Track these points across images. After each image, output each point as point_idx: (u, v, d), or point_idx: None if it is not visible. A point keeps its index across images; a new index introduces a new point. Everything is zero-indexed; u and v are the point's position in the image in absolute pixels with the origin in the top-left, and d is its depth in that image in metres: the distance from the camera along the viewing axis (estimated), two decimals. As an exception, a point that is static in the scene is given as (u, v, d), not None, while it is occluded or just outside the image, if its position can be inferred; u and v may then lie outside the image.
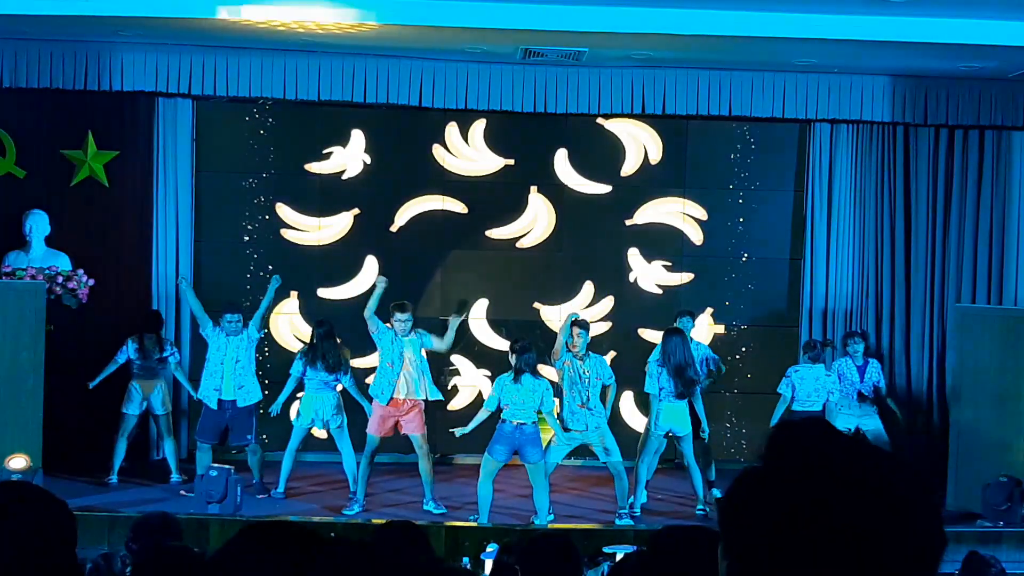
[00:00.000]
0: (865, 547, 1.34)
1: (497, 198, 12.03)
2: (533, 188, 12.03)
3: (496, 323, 12.03)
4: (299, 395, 10.35)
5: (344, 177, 11.94)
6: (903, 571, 1.36)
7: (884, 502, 1.36)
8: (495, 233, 12.02)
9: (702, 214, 12.10)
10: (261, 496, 10.15)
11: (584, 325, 9.73)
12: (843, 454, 1.40)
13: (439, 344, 9.87)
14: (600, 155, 12.05)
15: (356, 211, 11.93)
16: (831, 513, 1.35)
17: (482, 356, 12.06)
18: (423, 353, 9.87)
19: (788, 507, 1.36)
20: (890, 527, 1.35)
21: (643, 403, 11.00)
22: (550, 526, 9.38)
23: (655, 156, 12.08)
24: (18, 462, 9.06)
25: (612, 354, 11.93)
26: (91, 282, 10.75)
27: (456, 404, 12.06)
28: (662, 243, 12.09)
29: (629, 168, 12.07)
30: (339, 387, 10.14)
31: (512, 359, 9.37)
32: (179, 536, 5.18)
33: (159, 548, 4.86)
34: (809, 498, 1.36)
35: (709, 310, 12.07)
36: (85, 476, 10.44)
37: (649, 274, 12.10)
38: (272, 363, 11.81)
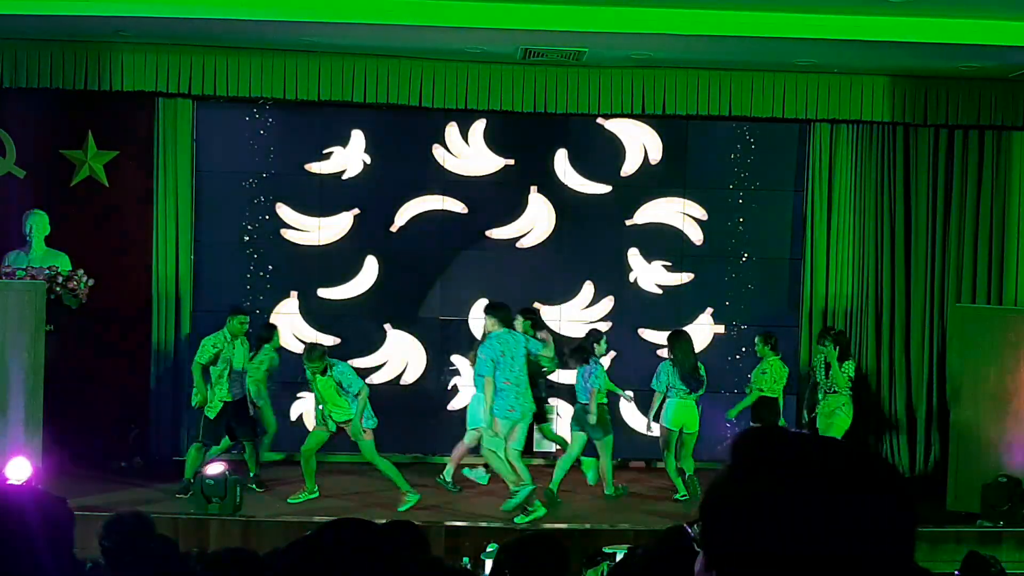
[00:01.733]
0: (833, 539, 1.36)
1: (497, 198, 12.03)
2: (533, 188, 12.03)
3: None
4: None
5: (344, 177, 11.94)
6: (877, 552, 1.38)
7: (848, 493, 1.39)
8: (495, 233, 12.02)
9: (702, 214, 12.11)
10: (260, 491, 10.19)
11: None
12: (802, 452, 1.43)
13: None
14: (600, 155, 12.05)
15: (356, 211, 11.93)
16: (797, 508, 1.38)
17: (482, 356, 12.05)
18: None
19: (753, 505, 1.39)
20: (859, 515, 1.38)
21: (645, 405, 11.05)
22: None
23: (655, 156, 12.08)
24: (20, 471, 9.04)
25: (612, 354, 11.94)
26: (91, 282, 10.75)
27: (456, 404, 12.05)
28: (662, 243, 12.09)
29: (629, 168, 12.07)
30: None
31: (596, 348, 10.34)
32: (152, 534, 5.19)
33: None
34: (774, 495, 1.38)
35: (709, 310, 12.08)
36: (83, 475, 10.43)
37: (649, 274, 12.10)
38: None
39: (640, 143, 12.08)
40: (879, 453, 1.47)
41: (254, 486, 10.16)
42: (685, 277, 12.12)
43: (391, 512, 9.68)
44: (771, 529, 1.38)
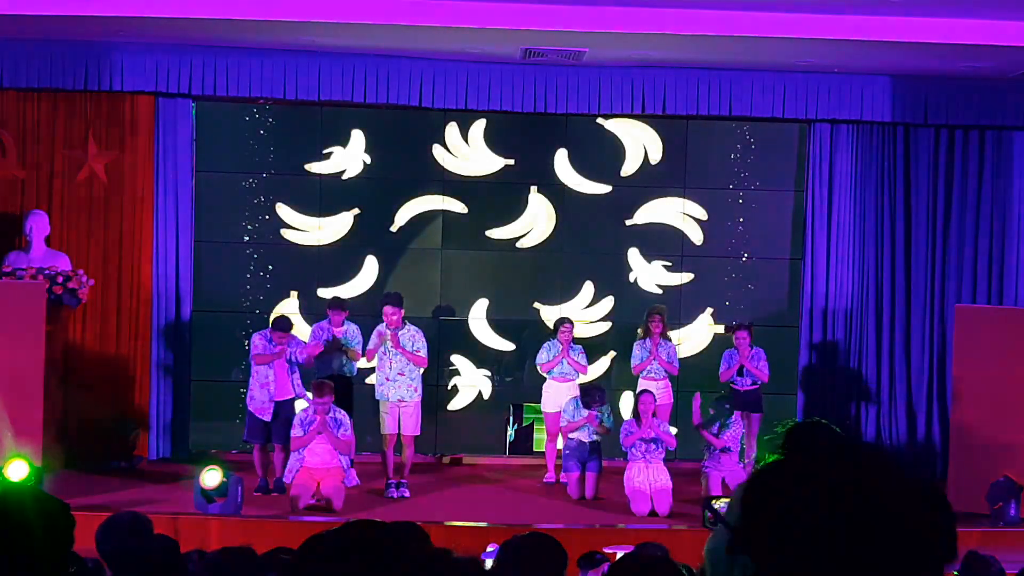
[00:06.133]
0: (883, 539, 1.37)
1: (497, 198, 12.03)
2: (533, 188, 12.03)
3: (496, 323, 12.02)
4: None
5: (344, 177, 11.94)
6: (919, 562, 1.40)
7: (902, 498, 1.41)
8: (495, 233, 12.02)
9: (702, 214, 12.10)
10: (277, 494, 10.19)
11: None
12: (862, 453, 1.44)
13: None
14: (600, 155, 12.05)
15: (356, 211, 11.93)
16: (855, 507, 1.38)
17: (482, 356, 12.06)
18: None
19: (812, 501, 1.39)
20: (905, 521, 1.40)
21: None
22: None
23: (655, 156, 12.08)
24: (19, 471, 9.00)
25: (612, 354, 11.95)
26: (91, 282, 10.75)
27: (456, 404, 12.05)
28: (662, 243, 12.09)
29: (629, 168, 12.07)
30: None
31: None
32: (150, 535, 5.16)
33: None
34: (831, 492, 1.39)
35: (709, 310, 12.07)
36: (83, 475, 10.43)
37: (649, 274, 12.09)
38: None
39: (640, 143, 12.07)
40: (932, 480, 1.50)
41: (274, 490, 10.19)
42: (685, 277, 12.12)
43: (389, 511, 9.69)
44: (814, 523, 1.38)
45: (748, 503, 1.45)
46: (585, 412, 10.29)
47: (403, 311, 10.31)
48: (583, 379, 11.01)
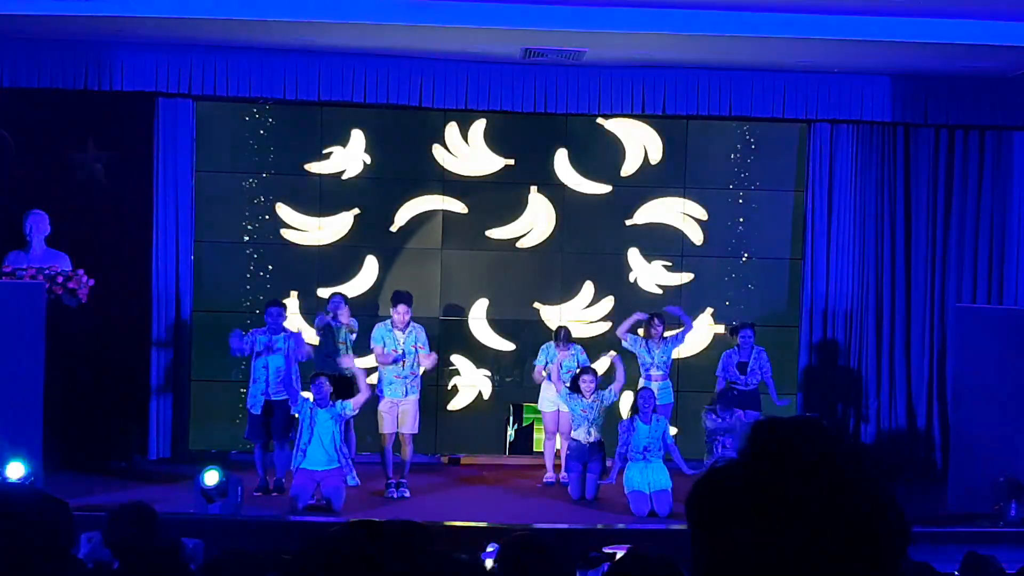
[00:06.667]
0: (831, 536, 1.37)
1: (497, 198, 12.03)
2: (533, 188, 12.03)
3: (496, 323, 12.03)
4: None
5: (344, 177, 11.94)
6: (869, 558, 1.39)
7: (850, 492, 1.42)
8: (495, 233, 12.02)
9: (702, 214, 12.10)
10: (276, 494, 10.18)
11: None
12: (816, 449, 1.44)
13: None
14: (600, 155, 12.05)
15: (356, 211, 11.93)
16: (800, 503, 1.37)
17: (482, 356, 12.07)
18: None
19: (760, 498, 1.39)
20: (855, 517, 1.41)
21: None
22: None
23: (655, 156, 12.08)
24: (19, 471, 9.01)
25: (612, 354, 11.93)
26: (91, 282, 10.75)
27: (456, 404, 12.05)
28: (662, 243, 12.09)
29: (629, 168, 12.07)
30: None
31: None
32: (156, 527, 5.17)
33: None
34: (779, 489, 1.39)
35: (709, 310, 12.07)
36: (83, 475, 10.43)
37: (649, 274, 12.09)
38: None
39: (640, 143, 12.07)
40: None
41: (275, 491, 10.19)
42: (685, 277, 12.12)
43: (390, 510, 9.69)
44: (760, 518, 1.38)
45: (690, 512, 1.46)
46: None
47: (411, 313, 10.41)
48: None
